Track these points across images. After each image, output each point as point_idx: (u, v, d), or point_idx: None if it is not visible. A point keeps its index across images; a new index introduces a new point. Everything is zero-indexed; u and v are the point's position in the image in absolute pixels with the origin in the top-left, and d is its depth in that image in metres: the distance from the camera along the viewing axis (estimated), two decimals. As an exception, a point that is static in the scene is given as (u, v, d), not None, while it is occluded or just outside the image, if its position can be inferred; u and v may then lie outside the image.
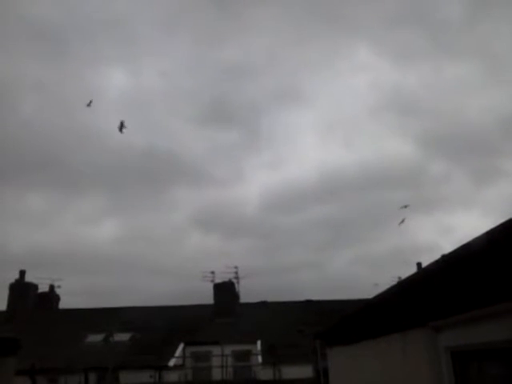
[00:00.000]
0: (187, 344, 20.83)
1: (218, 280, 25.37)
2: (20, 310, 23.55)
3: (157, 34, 44.18)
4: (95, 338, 20.83)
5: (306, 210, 42.21)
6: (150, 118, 44.23)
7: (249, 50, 44.15)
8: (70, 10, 39.24)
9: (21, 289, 24.92)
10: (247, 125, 47.10)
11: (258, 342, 20.90)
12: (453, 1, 41.00)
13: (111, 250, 39.34)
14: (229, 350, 19.80)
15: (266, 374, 18.73)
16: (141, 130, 44.91)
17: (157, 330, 21.42)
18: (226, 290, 24.97)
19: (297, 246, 41.58)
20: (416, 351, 3.97)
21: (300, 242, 41.91)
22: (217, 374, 19.41)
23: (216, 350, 19.63)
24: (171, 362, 19.42)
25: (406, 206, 14.69)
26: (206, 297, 24.85)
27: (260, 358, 20.10)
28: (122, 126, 10.92)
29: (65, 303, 26.36)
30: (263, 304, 25.19)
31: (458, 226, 41.05)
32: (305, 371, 17.63)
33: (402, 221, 15.06)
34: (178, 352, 20.30)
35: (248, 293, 25.81)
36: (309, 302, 24.68)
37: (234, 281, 25.43)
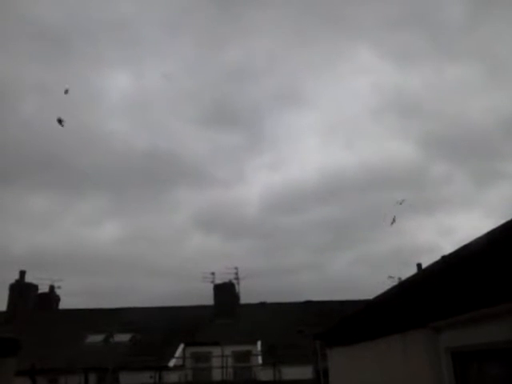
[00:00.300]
0: (187, 345, 20.82)
1: (218, 281, 25.41)
2: (20, 311, 23.55)
3: (159, 36, 44.34)
4: (95, 338, 20.82)
5: (307, 211, 42.23)
6: (153, 119, 44.40)
7: (251, 52, 44.19)
8: (73, 11, 39.40)
9: (21, 289, 24.91)
10: (249, 126, 47.23)
11: (258, 343, 20.90)
12: (454, 2, 41.04)
13: (112, 251, 39.37)
14: (229, 350, 19.80)
15: (266, 374, 18.72)
16: (143, 131, 45.08)
17: (157, 330, 21.42)
18: (226, 291, 24.97)
19: (297, 246, 41.63)
20: (416, 352, 3.97)
21: (300, 243, 41.90)
22: (217, 375, 19.41)
23: (216, 350, 19.63)
24: (171, 363, 19.42)
25: (401, 202, 14.70)
26: (206, 297, 24.89)
27: (260, 359, 20.10)
28: (60, 121, 11.23)
29: (65, 304, 26.39)
30: (263, 305, 25.19)
31: (459, 227, 41.07)
32: (305, 372, 17.63)
33: (393, 220, 15.08)
34: (178, 353, 20.29)
35: (248, 293, 25.83)
36: (309, 303, 24.67)
37: (234, 282, 25.45)
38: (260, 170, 46.27)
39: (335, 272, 37.89)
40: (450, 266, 3.20)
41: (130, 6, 41.60)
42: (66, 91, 12.24)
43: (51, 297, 25.86)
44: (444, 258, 3.25)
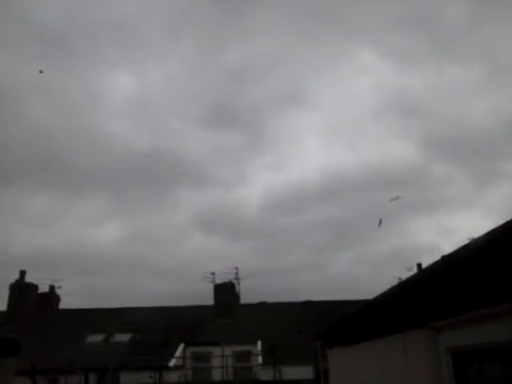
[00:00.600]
0: (187, 344, 20.82)
1: (219, 281, 25.41)
2: (20, 311, 23.55)
3: (161, 37, 44.46)
4: (95, 338, 20.82)
5: (308, 211, 42.29)
6: (154, 119, 44.50)
7: (252, 53, 44.28)
8: (75, 13, 39.53)
9: (21, 289, 24.91)
10: (250, 127, 47.28)
11: (258, 343, 20.89)
12: (455, 4, 41.05)
13: (112, 251, 39.41)
14: (229, 350, 19.80)
15: (266, 374, 18.72)
16: (144, 131, 45.16)
17: (157, 330, 21.42)
18: (226, 291, 24.97)
19: (297, 246, 41.63)
20: (416, 352, 3.97)
21: (301, 243, 41.89)
22: (217, 375, 19.41)
23: (216, 350, 19.63)
24: (171, 363, 19.41)
25: (396, 198, 14.78)
26: (207, 297, 24.89)
27: (260, 359, 20.09)
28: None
29: (65, 304, 26.39)
30: (263, 305, 25.19)
31: (459, 227, 41.08)
32: (305, 372, 17.63)
33: (380, 222, 15.27)
34: (178, 352, 20.29)
35: (248, 293, 25.85)
36: (309, 303, 24.67)
37: (235, 281, 25.45)
38: (261, 171, 46.33)
39: (335, 272, 37.92)
40: (450, 266, 3.20)
41: (131, 7, 41.75)
42: (41, 71, 12.82)
43: (51, 297, 25.86)
44: (444, 257, 3.26)
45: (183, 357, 20.14)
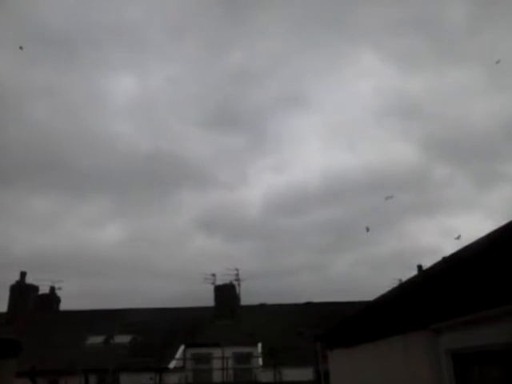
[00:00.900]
0: (188, 346, 20.82)
1: (219, 282, 25.40)
2: (20, 312, 23.55)
3: (163, 39, 44.56)
4: (96, 339, 20.82)
5: (309, 213, 42.33)
6: (156, 121, 44.62)
7: (254, 55, 44.46)
8: (79, 16, 39.66)
9: (21, 290, 24.92)
10: (252, 128, 47.38)
11: (259, 345, 20.88)
12: (456, 6, 41.08)
13: (113, 253, 39.46)
14: (229, 352, 19.79)
15: (266, 376, 18.71)
16: (147, 133, 45.27)
17: (157, 331, 21.42)
18: (226, 292, 24.97)
19: (298, 248, 41.69)
20: (417, 354, 3.97)
21: (302, 245, 41.95)
22: (217, 376, 19.40)
23: (216, 352, 19.62)
24: (172, 364, 19.40)
25: (391, 197, 15.03)
26: (207, 299, 24.89)
27: (260, 361, 20.08)
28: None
29: (65, 305, 26.39)
30: (264, 306, 25.17)
31: (461, 228, 41.11)
32: (305, 373, 17.61)
33: (367, 229, 15.66)
34: (179, 354, 20.28)
35: (249, 295, 25.81)
36: (309, 305, 24.66)
37: (235, 283, 25.44)
38: (262, 172, 46.38)
39: (336, 273, 37.94)
40: (451, 268, 3.20)
41: (135, 11, 41.89)
42: (21, 48, 12.95)
43: (52, 298, 25.86)
44: (445, 259, 3.26)
45: (183, 358, 20.14)
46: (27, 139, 38.39)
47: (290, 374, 17.96)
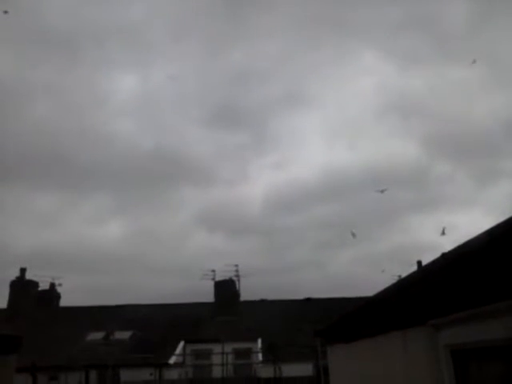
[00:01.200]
0: (188, 342, 20.86)
1: (219, 278, 25.44)
2: (21, 308, 23.58)
3: (166, 38, 44.50)
4: (96, 335, 20.85)
5: (310, 210, 42.40)
6: (158, 119, 44.70)
7: (256, 54, 44.41)
8: (81, 15, 39.69)
9: (21, 287, 24.94)
10: (254, 127, 47.45)
11: (259, 340, 20.93)
12: (457, 5, 40.98)
13: (113, 249, 39.46)
14: (229, 347, 19.84)
15: (266, 371, 18.75)
16: (148, 131, 45.31)
17: (157, 327, 21.46)
18: (226, 288, 25.00)
19: (299, 244, 41.75)
20: (416, 349, 3.98)
21: (302, 241, 42.04)
22: (217, 372, 19.44)
23: (216, 347, 19.66)
24: (172, 360, 19.44)
25: (384, 190, 15.13)
26: (207, 295, 24.92)
27: (260, 356, 20.13)
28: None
29: (65, 301, 26.43)
30: (263, 302, 25.22)
31: (461, 225, 41.14)
32: (305, 369, 17.67)
33: (354, 234, 15.95)
34: (179, 350, 20.33)
35: (249, 291, 25.87)
36: (309, 300, 24.71)
37: (235, 279, 25.48)
38: (263, 170, 46.39)
39: (336, 270, 38.01)
40: (450, 264, 3.21)
41: (136, 8, 41.83)
42: (6, 12, 12.93)
43: (52, 294, 25.89)
44: (444, 255, 3.26)
45: (183, 354, 20.19)
46: (28, 137, 38.41)
47: (289, 369, 18.00)
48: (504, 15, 35.18)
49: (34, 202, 39.20)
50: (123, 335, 20.80)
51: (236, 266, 25.34)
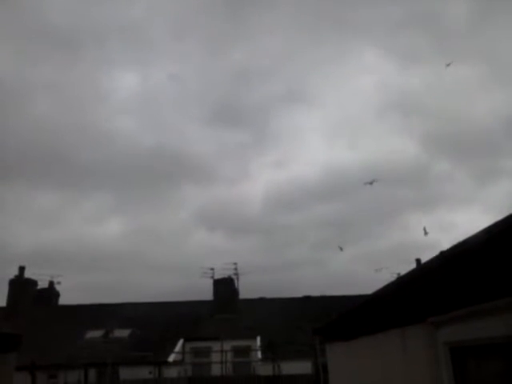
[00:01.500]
0: (187, 340, 20.88)
1: (218, 276, 25.45)
2: (19, 306, 23.59)
3: (167, 37, 44.54)
4: (95, 333, 20.87)
5: (310, 208, 42.51)
6: (158, 117, 44.73)
7: (257, 52, 44.50)
8: (83, 14, 39.69)
9: (20, 285, 24.95)
10: (254, 125, 47.55)
11: (258, 338, 20.96)
12: (457, 4, 40.98)
13: (114, 248, 39.55)
14: (228, 345, 19.86)
15: (265, 369, 18.78)
16: (149, 129, 45.37)
17: (156, 325, 21.47)
18: (225, 286, 25.02)
19: (298, 243, 41.81)
20: (415, 347, 3.98)
21: (302, 239, 42.09)
22: (216, 370, 19.47)
23: (215, 345, 19.69)
24: (171, 358, 19.47)
25: (371, 183, 15.17)
26: (206, 293, 24.95)
27: (259, 354, 20.16)
28: None
29: (64, 299, 26.44)
30: (263, 300, 25.25)
31: (460, 223, 41.23)
32: (304, 367, 17.70)
33: (341, 249, 16.24)
34: (178, 348, 20.35)
35: (248, 289, 25.90)
36: (308, 298, 24.74)
37: (234, 277, 25.50)
38: (264, 168, 46.50)
39: (335, 268, 38.08)
40: (449, 261, 3.21)
41: (137, 7, 41.83)
42: None
43: (51, 292, 25.90)
44: (443, 252, 3.26)
45: (182, 352, 20.21)
46: (29, 135, 38.42)
47: (288, 367, 18.02)
48: (504, 14, 35.21)
49: (34, 201, 39.24)
50: (122, 333, 20.82)
51: (235, 264, 25.38)
